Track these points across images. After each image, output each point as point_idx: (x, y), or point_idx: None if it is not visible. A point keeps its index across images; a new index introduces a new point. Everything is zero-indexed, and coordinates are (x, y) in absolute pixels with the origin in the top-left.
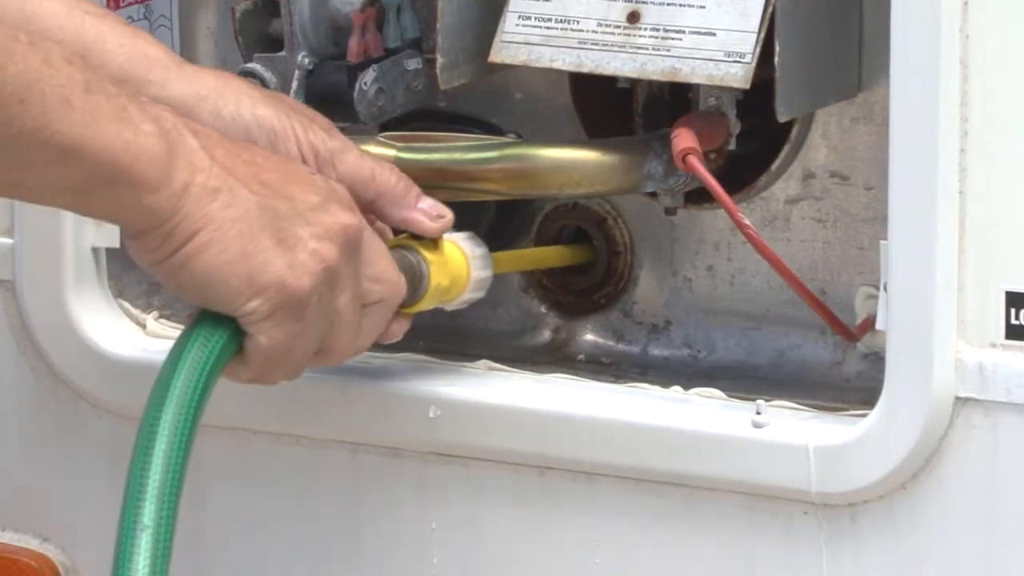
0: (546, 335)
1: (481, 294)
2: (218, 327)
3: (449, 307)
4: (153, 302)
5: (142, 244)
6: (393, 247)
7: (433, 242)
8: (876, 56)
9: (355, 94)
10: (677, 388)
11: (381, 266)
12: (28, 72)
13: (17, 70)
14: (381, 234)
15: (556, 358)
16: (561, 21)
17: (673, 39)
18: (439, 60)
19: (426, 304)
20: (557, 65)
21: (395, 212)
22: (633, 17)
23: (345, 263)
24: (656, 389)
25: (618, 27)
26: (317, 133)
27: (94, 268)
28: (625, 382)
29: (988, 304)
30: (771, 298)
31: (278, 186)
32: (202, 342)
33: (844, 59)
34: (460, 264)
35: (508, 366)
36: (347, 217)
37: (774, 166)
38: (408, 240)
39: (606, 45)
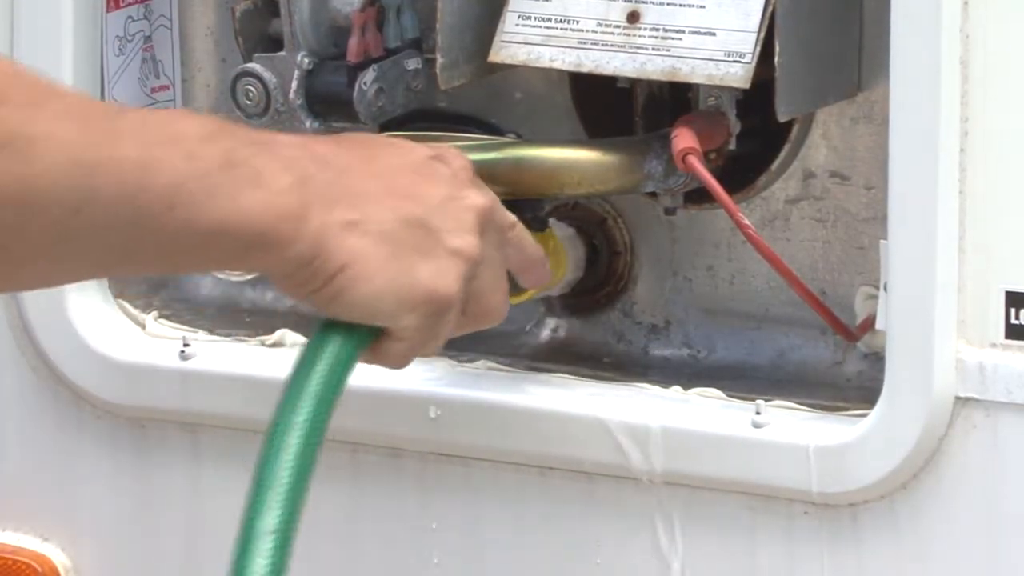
0: (546, 335)
1: (564, 291)
2: (354, 331)
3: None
4: (153, 302)
5: (288, 285)
6: None
7: (544, 238)
8: (876, 56)
9: (355, 94)
10: (677, 388)
11: (500, 213)
12: (176, 178)
13: (165, 182)
14: None
15: (556, 358)
16: (561, 21)
17: (673, 39)
18: (439, 60)
19: (523, 297)
20: (557, 65)
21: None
22: (633, 17)
23: (483, 246)
24: (656, 389)
25: (618, 27)
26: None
27: None
28: (625, 382)
29: (988, 304)
30: (771, 298)
31: (409, 190)
32: (341, 343)
33: (844, 59)
34: (560, 265)
35: (508, 366)
36: (475, 198)
37: (774, 166)
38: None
39: (606, 45)
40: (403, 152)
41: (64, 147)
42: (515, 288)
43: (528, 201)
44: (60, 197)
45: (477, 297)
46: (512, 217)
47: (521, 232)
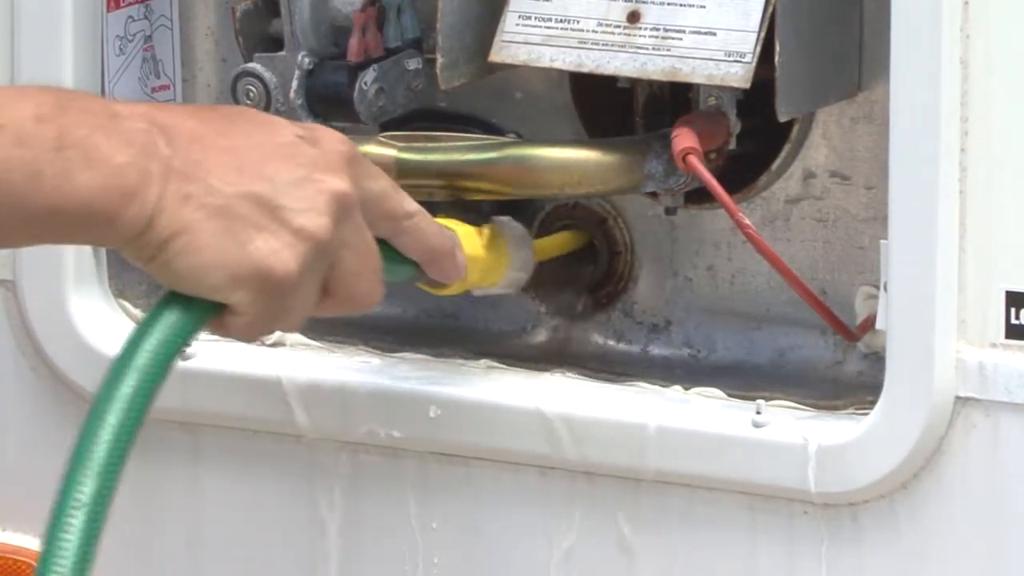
0: (546, 335)
1: (511, 291)
2: (192, 303)
3: (476, 293)
4: (153, 302)
5: (128, 255)
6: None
7: (478, 230)
8: (876, 56)
9: (355, 94)
10: (677, 388)
11: (394, 201)
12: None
13: None
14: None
15: (556, 358)
16: (561, 21)
17: (673, 39)
18: (439, 60)
19: (451, 290)
20: (557, 65)
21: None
22: (633, 17)
23: (338, 229)
24: (656, 389)
25: (618, 27)
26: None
27: (94, 268)
28: (625, 382)
29: (988, 304)
30: (771, 298)
31: (258, 168)
32: (177, 315)
33: (844, 59)
34: (499, 263)
35: (508, 366)
36: (335, 182)
37: (774, 166)
38: (449, 224)
39: (606, 45)
40: (267, 129)
41: None
42: (435, 285)
43: (524, 209)
44: None
45: (340, 280)
46: (411, 206)
47: (421, 222)
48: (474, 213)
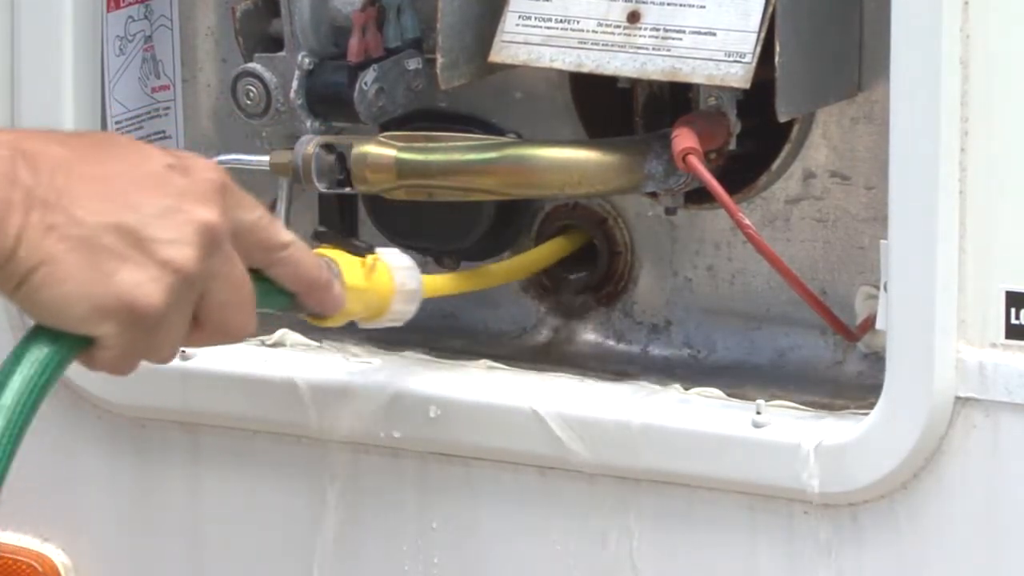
0: (546, 335)
1: (398, 323)
2: (59, 337)
3: (362, 325)
4: None
5: None
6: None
7: (362, 261)
8: (876, 56)
9: (355, 94)
10: (677, 388)
11: (270, 231)
12: None
13: None
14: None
15: (556, 358)
16: (561, 21)
17: (673, 39)
18: (439, 60)
19: (332, 322)
20: (557, 65)
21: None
22: (633, 17)
23: (206, 260)
24: (656, 389)
25: (618, 27)
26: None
27: None
28: (625, 382)
29: (988, 304)
30: (771, 298)
31: (124, 198)
32: (43, 351)
33: (844, 59)
34: (382, 295)
35: (508, 366)
36: (203, 213)
37: (774, 166)
38: (333, 255)
39: (606, 45)
40: (136, 158)
41: None
42: (318, 316)
43: (525, 210)
44: None
45: (211, 312)
46: (286, 236)
47: (296, 253)
48: (359, 245)
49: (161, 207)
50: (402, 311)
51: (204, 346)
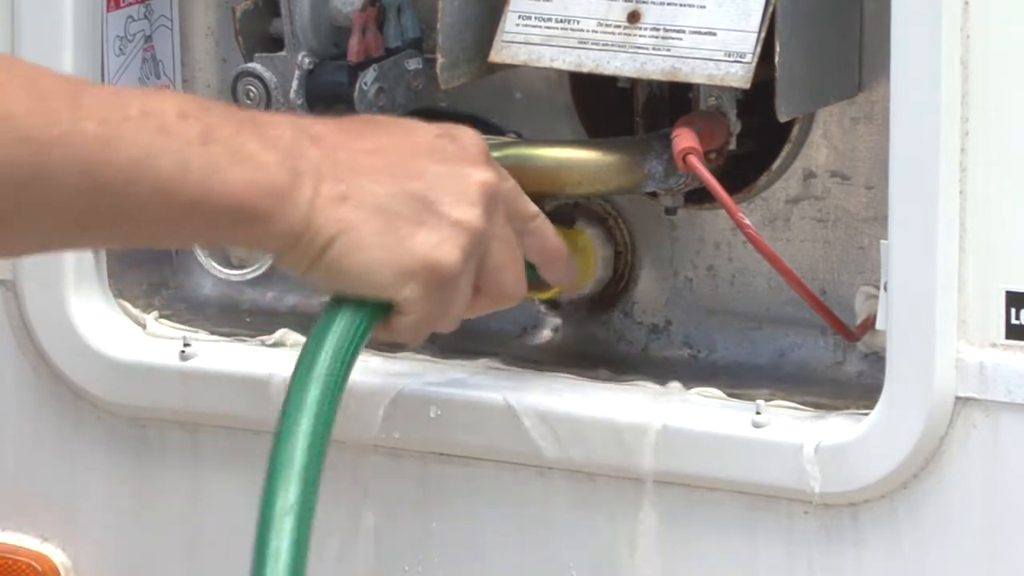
0: (546, 335)
1: (591, 291)
2: (362, 306)
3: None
4: (153, 302)
5: (286, 262)
6: None
7: (572, 234)
8: (876, 56)
9: (355, 94)
10: (677, 387)
11: (522, 202)
12: (139, 153)
13: (126, 157)
14: None
15: (556, 358)
16: (561, 21)
17: (673, 39)
18: (439, 60)
19: (550, 293)
20: (557, 65)
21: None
22: (633, 17)
23: (490, 220)
24: (656, 388)
25: (618, 27)
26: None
27: (94, 268)
28: (625, 382)
29: (988, 304)
30: (771, 298)
31: (407, 166)
32: (348, 319)
33: (844, 59)
34: (588, 264)
35: (508, 366)
36: (481, 174)
37: (774, 166)
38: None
39: (606, 45)
40: (406, 131)
41: (14, 123)
42: (541, 284)
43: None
44: (7, 171)
45: (489, 274)
46: (534, 208)
47: (543, 224)
48: (562, 216)
49: (442, 172)
50: (601, 279)
51: (481, 312)
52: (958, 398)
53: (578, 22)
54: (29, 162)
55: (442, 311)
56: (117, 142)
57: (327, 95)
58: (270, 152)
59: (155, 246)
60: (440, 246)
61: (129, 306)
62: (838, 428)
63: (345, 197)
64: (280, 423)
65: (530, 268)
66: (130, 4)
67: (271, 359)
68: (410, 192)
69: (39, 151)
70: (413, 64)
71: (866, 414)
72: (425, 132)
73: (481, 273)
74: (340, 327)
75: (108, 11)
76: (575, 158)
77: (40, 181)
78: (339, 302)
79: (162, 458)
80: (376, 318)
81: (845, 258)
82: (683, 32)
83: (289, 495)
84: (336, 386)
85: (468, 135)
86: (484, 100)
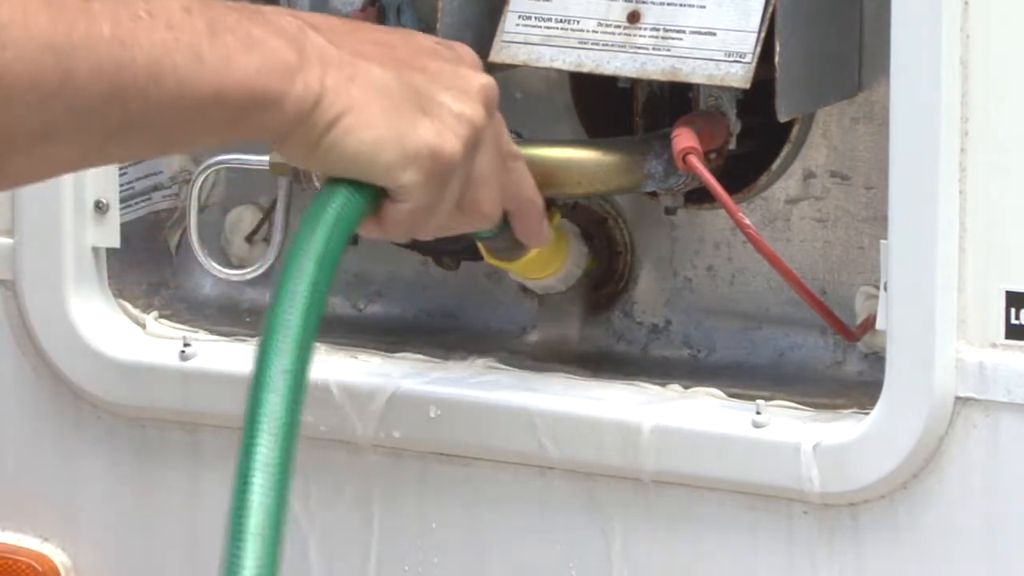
0: (546, 335)
1: (562, 286)
2: (359, 189)
3: (523, 278)
4: (153, 302)
5: (289, 146)
6: None
7: (548, 214)
8: (876, 56)
9: None
10: (677, 387)
11: (506, 138)
12: (156, 50)
13: (145, 56)
14: None
15: (556, 358)
16: (561, 21)
17: (673, 39)
18: None
19: (517, 267)
20: (557, 65)
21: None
22: (633, 17)
23: (488, 119)
24: (656, 388)
25: (618, 27)
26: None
27: (94, 268)
28: (625, 382)
29: (988, 304)
30: (771, 298)
31: (410, 60)
32: (344, 200)
33: (844, 59)
34: (562, 249)
35: (508, 366)
36: (481, 77)
37: (774, 166)
38: None
39: (606, 45)
40: (406, 33)
41: (33, 32)
42: (508, 252)
43: None
44: (35, 82)
45: (473, 184)
46: (517, 150)
47: (524, 167)
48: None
49: (444, 70)
50: (571, 272)
51: (454, 229)
52: (958, 398)
53: (578, 22)
54: (55, 69)
55: (433, 205)
56: (133, 42)
57: None
58: (277, 37)
59: (180, 150)
60: (443, 134)
61: (129, 306)
62: (838, 428)
63: (352, 78)
64: (277, 296)
65: (497, 226)
66: None
67: None
68: (415, 82)
69: (62, 57)
70: None
71: (866, 414)
72: (424, 38)
73: (465, 183)
74: (335, 209)
75: None
76: (575, 158)
77: (67, 89)
78: (333, 186)
79: (162, 458)
80: (371, 202)
81: (845, 258)
82: (683, 32)
83: (284, 359)
84: (331, 264)
85: (466, 48)
86: None
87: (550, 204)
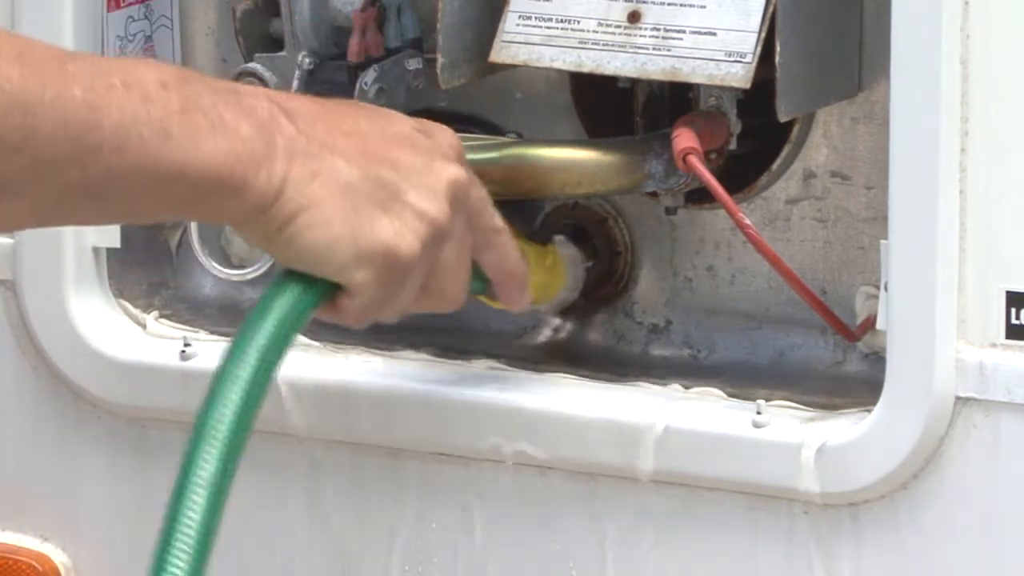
0: (546, 335)
1: (556, 309)
2: (313, 284)
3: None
4: (153, 302)
5: (248, 232)
6: None
7: (543, 250)
8: (876, 56)
9: (356, 94)
10: (677, 387)
11: (488, 214)
12: (125, 120)
13: (113, 123)
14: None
15: (556, 358)
16: (561, 21)
17: (674, 39)
18: (439, 60)
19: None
20: (557, 65)
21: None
22: (634, 17)
23: (453, 216)
24: (656, 388)
25: (619, 27)
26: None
27: (94, 268)
28: (625, 382)
29: (988, 304)
30: (771, 298)
31: (382, 153)
32: (296, 295)
33: (844, 59)
34: (554, 287)
35: (508, 366)
36: (452, 171)
37: (775, 166)
38: (520, 240)
39: (606, 45)
40: (384, 119)
41: (4, 86)
42: (493, 296)
43: (524, 209)
44: (1, 136)
45: (438, 274)
46: (500, 223)
47: (507, 240)
48: (538, 229)
49: (416, 163)
50: (566, 298)
51: (418, 310)
52: (958, 398)
53: (578, 22)
54: (20, 126)
55: (390, 299)
56: (103, 108)
57: (327, 95)
58: (248, 123)
59: (134, 220)
60: (402, 234)
61: (129, 306)
62: (838, 428)
63: (316, 173)
64: (212, 392)
65: (484, 282)
66: (130, 4)
67: None
68: (381, 178)
69: (29, 114)
70: (413, 64)
71: (866, 414)
72: (403, 123)
73: (430, 271)
74: (287, 302)
75: (108, 11)
76: (575, 158)
77: (31, 144)
78: (288, 277)
79: (162, 458)
80: (324, 297)
81: (845, 258)
82: (683, 32)
83: (208, 468)
84: (274, 361)
85: (446, 133)
86: (484, 100)
87: (545, 242)
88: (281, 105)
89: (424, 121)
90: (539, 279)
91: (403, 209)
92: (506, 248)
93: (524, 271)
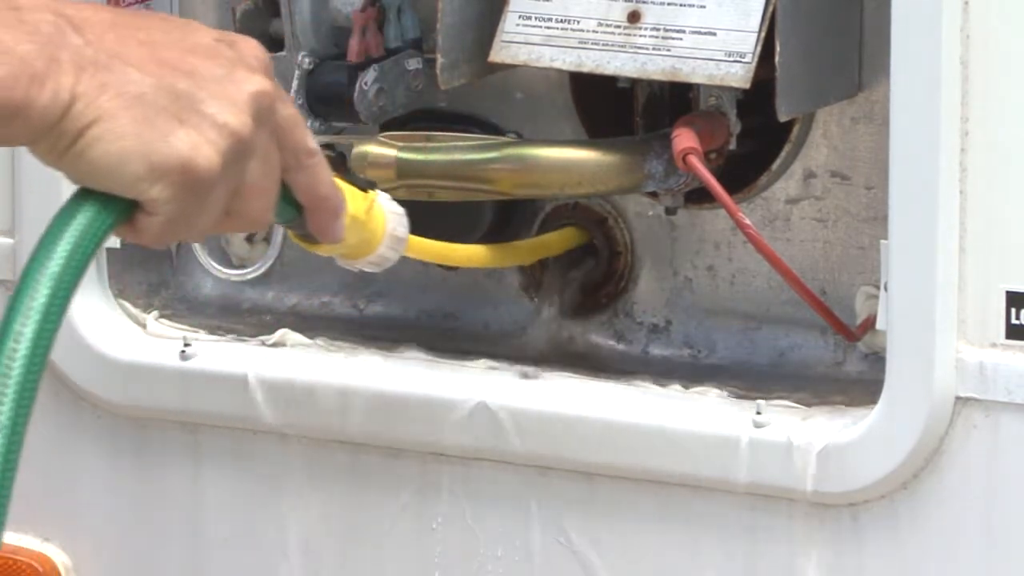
0: (546, 335)
1: (377, 269)
2: (108, 202)
3: (341, 262)
4: (153, 302)
5: (40, 151)
6: None
7: (363, 195)
8: (876, 56)
9: (355, 94)
10: (677, 387)
11: (300, 133)
12: None
13: None
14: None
15: (556, 358)
16: (561, 21)
17: (673, 39)
18: (439, 60)
19: (321, 250)
20: (557, 65)
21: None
22: (633, 17)
23: (257, 130)
24: (656, 389)
25: (618, 27)
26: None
27: (94, 268)
28: (625, 382)
29: (988, 304)
30: (771, 298)
31: (177, 62)
32: (91, 215)
33: (844, 59)
34: (375, 234)
35: (508, 366)
36: (256, 83)
37: (775, 166)
38: (339, 179)
39: (606, 45)
40: (183, 29)
41: None
42: (310, 238)
43: (524, 209)
44: None
45: (242, 192)
46: (314, 144)
47: (320, 162)
48: (359, 179)
49: (215, 74)
50: (386, 256)
51: (224, 231)
52: (958, 398)
53: (578, 22)
54: None
55: (190, 218)
56: None
57: (327, 95)
58: (27, 41)
59: None
60: (199, 147)
61: (129, 306)
62: (838, 428)
63: (106, 85)
64: (3, 324)
65: (296, 208)
66: (130, 4)
67: (271, 359)
68: (176, 88)
69: None
70: (413, 64)
71: (866, 414)
72: (204, 32)
73: (234, 190)
74: (81, 223)
75: None
76: (575, 158)
77: None
78: (84, 196)
79: (162, 458)
80: (121, 217)
81: (845, 258)
82: (683, 32)
83: (2, 411)
84: (69, 287)
85: (251, 44)
86: (484, 100)
87: (367, 189)
88: (68, 16)
89: (228, 33)
90: (357, 221)
91: (201, 120)
92: (318, 170)
93: (339, 198)
